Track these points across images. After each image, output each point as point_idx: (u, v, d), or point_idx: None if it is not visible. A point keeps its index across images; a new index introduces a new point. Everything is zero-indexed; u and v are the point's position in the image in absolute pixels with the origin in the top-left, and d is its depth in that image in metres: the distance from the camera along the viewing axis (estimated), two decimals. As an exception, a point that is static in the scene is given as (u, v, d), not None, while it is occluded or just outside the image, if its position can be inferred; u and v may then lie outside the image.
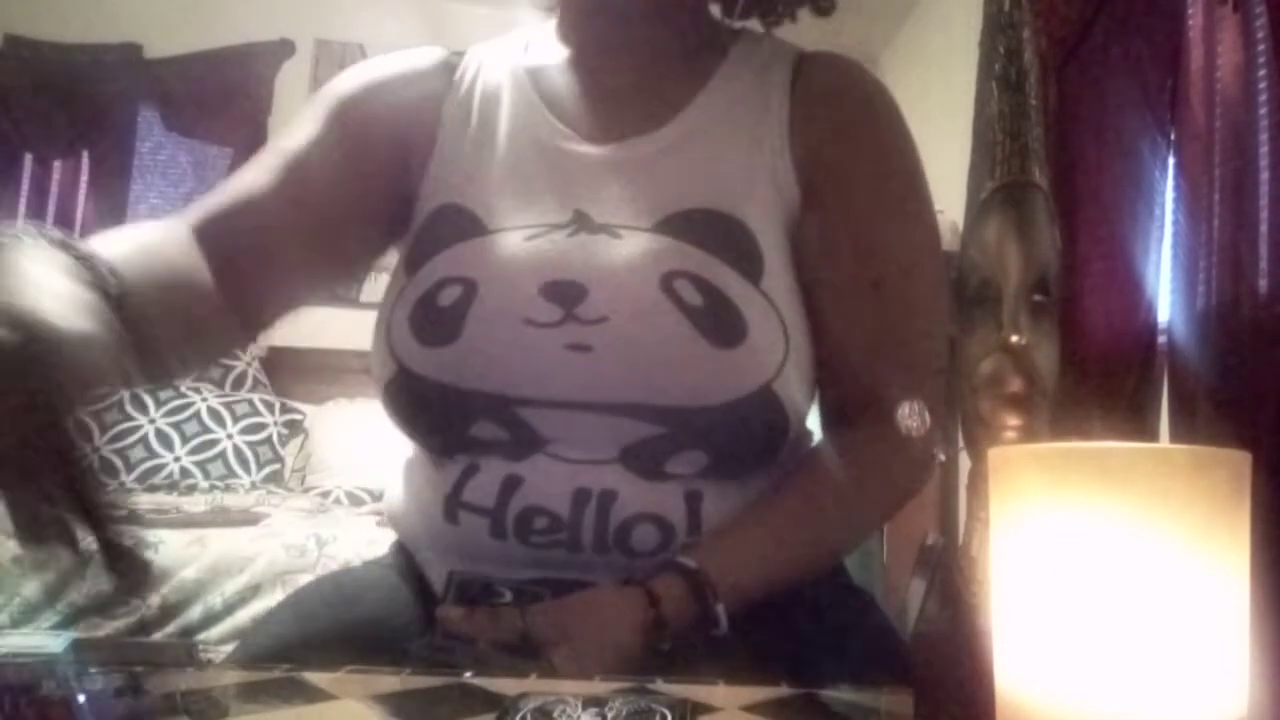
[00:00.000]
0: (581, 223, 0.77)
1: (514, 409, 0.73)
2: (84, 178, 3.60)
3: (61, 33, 3.55)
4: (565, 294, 0.73)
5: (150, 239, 0.74)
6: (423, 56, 0.90)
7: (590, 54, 0.87)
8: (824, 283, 0.80)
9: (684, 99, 0.83)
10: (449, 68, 0.89)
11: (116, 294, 0.59)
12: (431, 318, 0.75)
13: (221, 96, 3.64)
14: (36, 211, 3.55)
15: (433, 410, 0.76)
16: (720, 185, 0.79)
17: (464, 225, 0.79)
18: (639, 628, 0.66)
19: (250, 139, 3.68)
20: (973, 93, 0.54)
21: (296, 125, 0.85)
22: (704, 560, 0.70)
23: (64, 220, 3.57)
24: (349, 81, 0.87)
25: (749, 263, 0.76)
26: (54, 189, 3.59)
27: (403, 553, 0.86)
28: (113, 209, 3.58)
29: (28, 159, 3.56)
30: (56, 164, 3.60)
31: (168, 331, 0.67)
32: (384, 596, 0.81)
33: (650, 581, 0.69)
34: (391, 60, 0.89)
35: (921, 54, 3.31)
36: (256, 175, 0.82)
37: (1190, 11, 1.73)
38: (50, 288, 0.51)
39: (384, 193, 0.84)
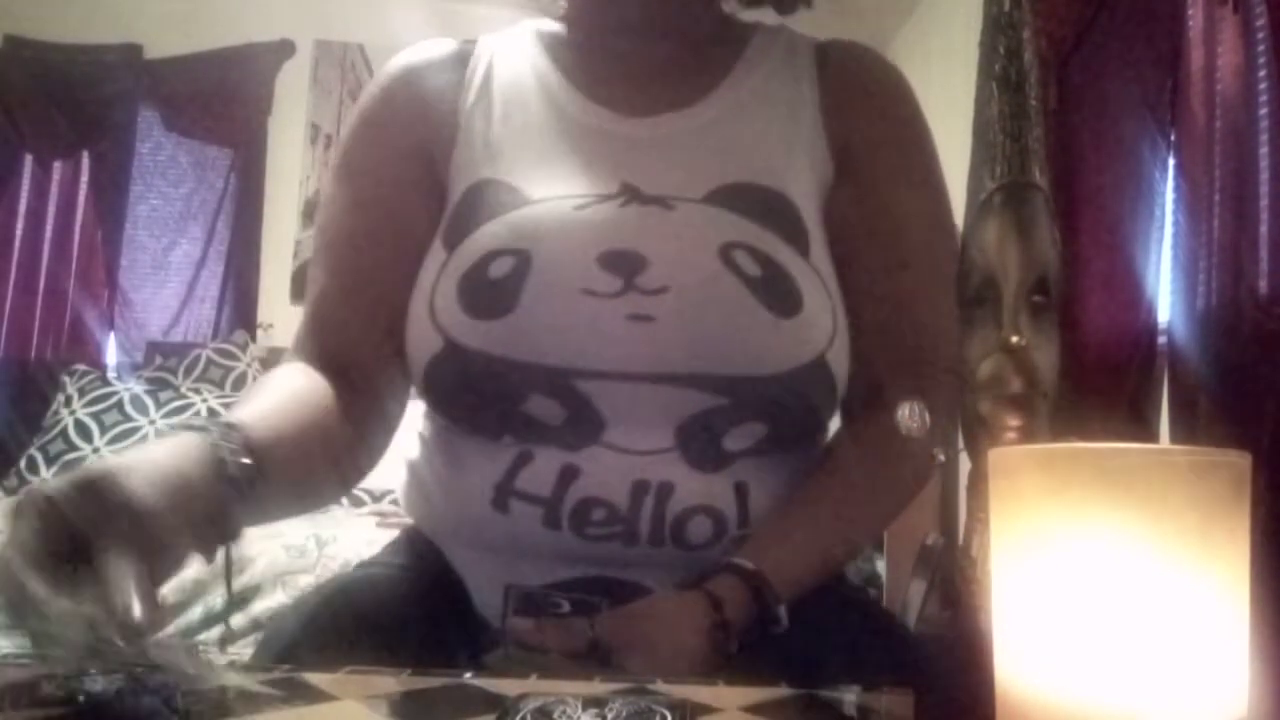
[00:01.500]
0: (632, 194, 0.77)
1: (572, 382, 0.72)
2: (84, 178, 3.60)
3: (62, 33, 3.55)
4: (625, 264, 0.72)
5: (284, 399, 0.75)
6: (434, 48, 0.90)
7: (609, 38, 0.87)
8: (855, 258, 0.81)
9: (714, 79, 0.85)
10: (462, 56, 0.89)
11: (250, 477, 0.63)
12: (483, 290, 0.74)
13: (221, 96, 3.64)
14: (36, 211, 3.55)
15: (484, 385, 0.74)
16: (762, 160, 0.80)
17: (504, 198, 0.78)
18: (705, 632, 0.66)
19: (250, 139, 3.68)
20: (973, 93, 0.54)
21: (328, 194, 0.87)
22: (758, 559, 0.70)
23: (64, 220, 3.57)
24: (362, 113, 0.88)
25: (797, 236, 0.77)
26: (54, 189, 3.59)
27: (414, 551, 0.84)
28: (113, 209, 3.57)
29: (28, 159, 3.56)
30: (56, 164, 3.60)
31: (293, 487, 0.72)
32: (393, 604, 0.78)
33: (709, 584, 0.69)
34: (399, 66, 0.89)
35: (921, 54, 3.31)
36: (316, 275, 0.85)
37: (1190, 12, 1.73)
38: (156, 475, 0.57)
39: (422, 198, 0.84)
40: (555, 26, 0.91)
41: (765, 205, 0.77)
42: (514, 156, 0.81)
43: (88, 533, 0.53)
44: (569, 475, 0.73)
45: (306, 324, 0.85)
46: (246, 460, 0.63)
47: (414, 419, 0.88)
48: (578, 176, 0.79)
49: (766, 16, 0.92)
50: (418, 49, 0.90)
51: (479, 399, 0.76)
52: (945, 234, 0.84)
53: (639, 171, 0.78)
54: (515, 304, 0.72)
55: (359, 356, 0.82)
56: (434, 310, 0.76)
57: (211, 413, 3.09)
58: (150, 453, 0.60)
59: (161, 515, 0.55)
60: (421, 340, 0.77)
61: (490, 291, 0.73)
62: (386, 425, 0.85)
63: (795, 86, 0.85)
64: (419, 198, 0.83)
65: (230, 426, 0.64)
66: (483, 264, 0.74)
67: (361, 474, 0.84)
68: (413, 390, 0.84)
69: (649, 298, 0.72)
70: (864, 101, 0.85)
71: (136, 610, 0.50)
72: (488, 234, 0.76)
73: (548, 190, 0.78)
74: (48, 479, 2.86)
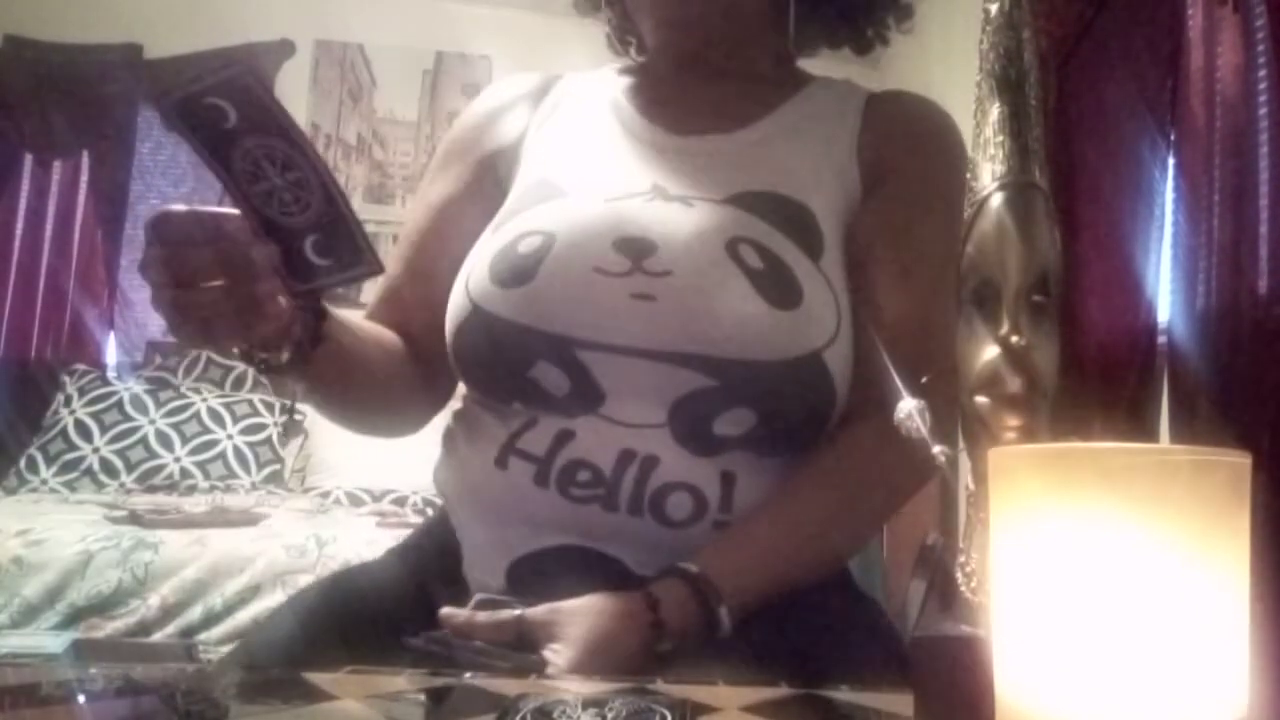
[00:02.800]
0: (658, 192, 0.84)
1: (575, 352, 0.77)
2: (84, 178, 3.59)
3: (62, 33, 3.54)
4: (635, 247, 0.78)
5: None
6: (520, 84, 1.00)
7: (677, 80, 0.95)
8: (867, 266, 0.85)
9: (763, 112, 0.91)
10: (544, 87, 0.99)
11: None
12: (509, 262, 0.80)
13: (221, 96, 3.64)
14: (36, 211, 3.55)
15: (499, 347, 0.80)
16: (790, 176, 0.86)
17: (547, 191, 0.86)
18: (636, 629, 0.68)
19: (250, 139, 3.68)
20: (973, 93, 0.54)
21: (419, 191, 0.99)
22: (707, 564, 0.72)
23: (64, 220, 3.57)
24: (454, 128, 1.01)
25: (810, 243, 0.82)
26: (54, 189, 3.58)
27: (422, 531, 0.90)
28: (113, 209, 3.57)
29: (28, 159, 3.55)
30: (56, 164, 3.59)
31: (350, 359, 0.82)
32: (387, 595, 0.82)
33: (650, 586, 0.71)
34: (489, 94, 1.01)
35: (922, 54, 3.31)
36: (391, 266, 0.94)
37: (1190, 12, 1.73)
38: None
39: (489, 206, 0.91)
40: (632, 72, 1.00)
41: (782, 211, 0.82)
42: (567, 160, 0.90)
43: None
44: (564, 438, 0.78)
45: (376, 298, 0.96)
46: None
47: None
48: (617, 178, 0.86)
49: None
50: (505, 84, 1.02)
51: (492, 361, 0.81)
52: (953, 258, 0.87)
53: (671, 177, 0.85)
54: (534, 275, 0.78)
55: (415, 333, 0.91)
56: (469, 280, 0.83)
57: (211, 413, 3.09)
58: None
59: None
60: (456, 307, 0.83)
61: (515, 264, 0.80)
62: (430, 395, 0.94)
63: (838, 120, 0.91)
64: (479, 208, 0.91)
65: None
66: (515, 242, 0.81)
67: (406, 418, 0.95)
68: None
69: (653, 279, 0.77)
70: (900, 132, 0.90)
71: None
72: (524, 218, 0.84)
73: (587, 187, 0.85)
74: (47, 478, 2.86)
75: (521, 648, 0.67)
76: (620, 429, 0.77)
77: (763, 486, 0.78)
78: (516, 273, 0.79)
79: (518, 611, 0.69)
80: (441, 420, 0.94)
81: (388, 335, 0.91)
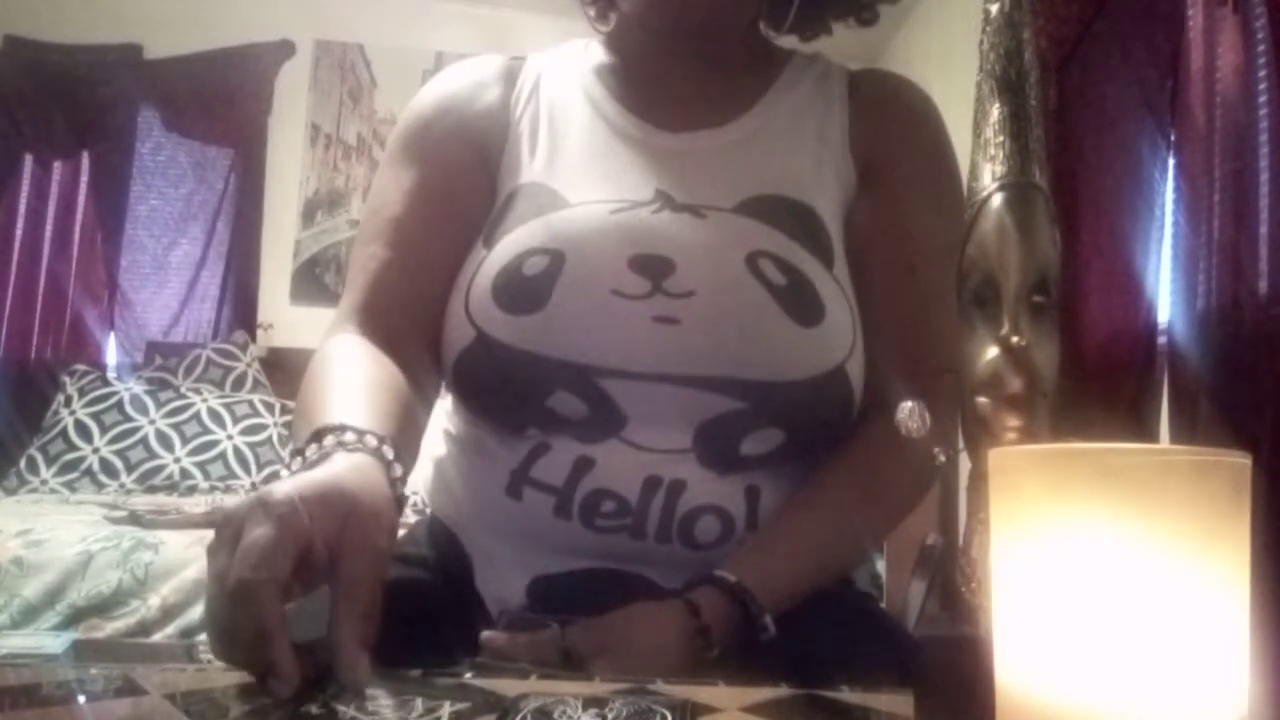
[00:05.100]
0: (665, 201, 0.79)
1: (596, 380, 0.73)
2: (84, 178, 3.59)
3: (62, 33, 3.54)
4: (653, 267, 0.74)
5: (367, 380, 0.75)
6: (485, 64, 0.92)
7: (655, 61, 0.89)
8: (866, 262, 0.83)
9: (749, 100, 0.87)
10: (511, 72, 0.91)
11: (398, 471, 0.64)
12: (516, 286, 0.75)
13: (221, 96, 3.64)
14: (36, 211, 3.55)
15: (511, 379, 0.76)
16: (791, 175, 0.83)
17: (544, 200, 0.80)
18: (681, 636, 0.67)
19: (250, 139, 3.68)
20: (973, 93, 0.54)
21: (385, 178, 0.88)
22: (741, 571, 0.71)
23: (64, 220, 3.57)
24: (421, 110, 0.89)
25: (822, 249, 0.79)
26: (54, 189, 3.58)
27: (430, 537, 0.86)
28: (113, 209, 3.57)
29: (28, 159, 3.55)
30: (56, 164, 3.59)
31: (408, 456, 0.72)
32: (397, 605, 0.80)
33: (689, 594, 0.69)
34: (455, 74, 0.92)
35: (921, 54, 3.31)
36: (375, 251, 0.84)
37: (1190, 12, 1.73)
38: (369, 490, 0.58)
39: (479, 193, 0.86)
40: (600, 49, 0.94)
41: (793, 217, 0.79)
42: (556, 162, 0.84)
43: (325, 544, 0.53)
44: (583, 466, 0.74)
45: (363, 294, 0.84)
46: (400, 475, 0.64)
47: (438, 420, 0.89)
48: (614, 183, 0.81)
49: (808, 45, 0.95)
50: (468, 63, 0.93)
51: (505, 392, 0.77)
52: (953, 246, 0.86)
53: (673, 181, 0.81)
54: (546, 301, 0.74)
55: (411, 338, 0.81)
56: (468, 303, 0.77)
57: (211, 413, 3.09)
58: (341, 471, 0.59)
59: (389, 531, 0.56)
60: (455, 332, 0.78)
61: (523, 288, 0.75)
62: (427, 401, 0.85)
63: (825, 109, 0.88)
64: (474, 189, 0.85)
65: (381, 440, 0.64)
66: (518, 261, 0.76)
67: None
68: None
69: (676, 301, 0.73)
70: (889, 121, 0.87)
71: (363, 667, 0.51)
72: (525, 233, 0.78)
73: (585, 195, 0.80)
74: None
75: (566, 666, 0.65)
76: (644, 454, 0.74)
77: (784, 495, 0.78)
78: (526, 297, 0.74)
79: (559, 630, 0.67)
80: (438, 419, 0.90)
81: (406, 396, 0.77)
